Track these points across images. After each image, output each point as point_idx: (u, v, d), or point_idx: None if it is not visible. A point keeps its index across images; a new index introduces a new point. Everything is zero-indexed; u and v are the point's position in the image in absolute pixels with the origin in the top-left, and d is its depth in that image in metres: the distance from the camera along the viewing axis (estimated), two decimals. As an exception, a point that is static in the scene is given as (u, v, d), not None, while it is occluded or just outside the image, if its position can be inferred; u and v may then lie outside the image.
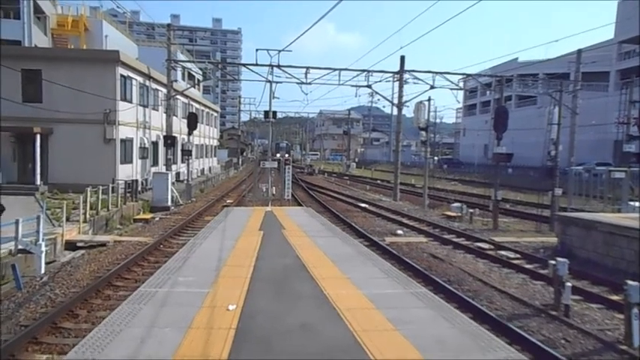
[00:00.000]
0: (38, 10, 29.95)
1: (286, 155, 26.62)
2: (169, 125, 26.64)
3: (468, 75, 32.75)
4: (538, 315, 8.55)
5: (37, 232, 11.58)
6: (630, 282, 7.17)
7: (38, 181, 21.84)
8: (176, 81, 30.03)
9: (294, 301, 5.97)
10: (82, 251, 13.58)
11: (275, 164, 23.55)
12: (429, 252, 13.83)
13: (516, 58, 52.99)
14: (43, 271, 10.94)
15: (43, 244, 11.32)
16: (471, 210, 20.93)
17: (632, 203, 19.01)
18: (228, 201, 26.64)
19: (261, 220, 13.58)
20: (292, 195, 24.82)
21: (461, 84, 30.79)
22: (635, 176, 20.60)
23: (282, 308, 5.64)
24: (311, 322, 5.17)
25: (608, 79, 49.95)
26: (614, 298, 9.52)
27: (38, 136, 22.00)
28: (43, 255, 11.17)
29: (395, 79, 28.58)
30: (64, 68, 23.01)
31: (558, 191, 18.91)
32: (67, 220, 14.77)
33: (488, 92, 66.77)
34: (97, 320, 7.85)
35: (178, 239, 15.30)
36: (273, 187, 24.36)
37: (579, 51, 28.06)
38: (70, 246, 13.94)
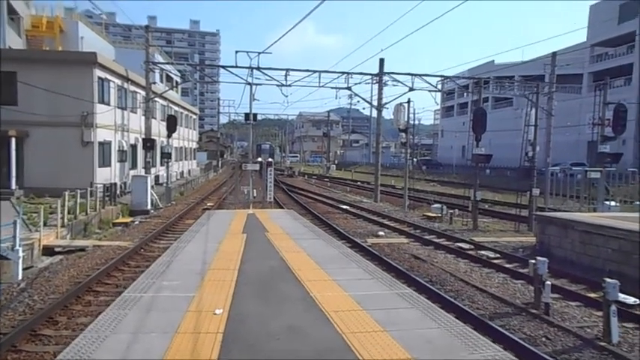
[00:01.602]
0: (12, 11, 29.28)
1: (269, 159, 26.46)
2: (148, 128, 26.31)
3: (446, 77, 33.06)
4: (519, 313, 8.69)
5: (14, 237, 11.30)
6: (608, 279, 7.34)
7: (14, 186, 21.37)
8: (154, 83, 29.70)
9: (281, 304, 5.96)
10: (61, 256, 13.32)
11: (257, 167, 23.46)
12: (410, 253, 13.94)
13: (493, 61, 53.81)
14: (20, 278, 10.71)
15: (20, 249, 11.07)
16: (451, 211, 21.16)
17: (607, 203, 19.49)
18: (208, 204, 26.44)
19: (244, 222, 13.53)
20: (274, 197, 24.77)
21: (439, 86, 31.07)
22: (610, 176, 21.14)
23: (270, 311, 5.63)
24: (299, 325, 5.17)
25: (581, 81, 51.07)
26: (592, 295, 9.74)
27: (13, 140, 21.52)
28: (20, 261, 10.93)
29: (374, 82, 28.74)
30: (40, 70, 22.55)
31: (536, 191, 19.25)
32: (45, 224, 14.46)
33: (465, 94, 67.67)
34: (77, 327, 7.73)
35: (159, 243, 15.13)
36: (254, 190, 24.27)
37: (554, 54, 28.60)
38: (48, 251, 13.63)
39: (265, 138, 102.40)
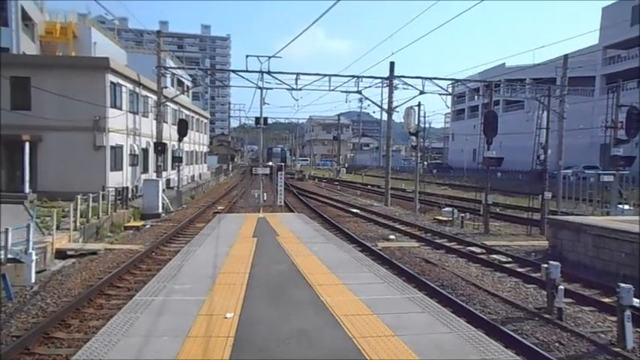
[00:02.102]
0: (26, 17, 29.71)
1: (281, 163, 26.28)
2: (159, 132, 26.52)
3: (457, 80, 32.98)
4: (532, 318, 8.60)
5: (27, 240, 11.41)
6: (622, 284, 7.25)
7: (27, 189, 21.54)
8: (166, 87, 29.92)
9: (292, 308, 5.96)
10: (73, 260, 13.43)
11: (267, 171, 23.48)
12: (421, 257, 13.87)
13: (504, 64, 53.58)
14: (33, 281, 10.81)
15: (34, 252, 11.18)
16: (462, 214, 21.03)
17: (620, 206, 19.24)
18: (219, 207, 26.54)
19: (254, 226, 13.55)
20: (284, 201, 24.78)
21: (450, 89, 30.97)
22: (623, 180, 20.86)
23: (280, 315, 5.63)
24: (309, 329, 5.17)
25: (593, 83, 50.61)
26: (606, 300, 9.62)
27: (27, 144, 21.75)
28: (34, 264, 11.03)
29: (385, 85, 28.72)
30: (53, 75, 22.84)
31: (548, 195, 19.07)
32: (57, 228, 14.60)
33: (476, 97, 67.37)
34: (89, 330, 7.79)
35: (170, 246, 15.20)
36: (265, 194, 24.31)
37: (566, 56, 28.36)
38: (61, 255, 13.76)
39: (276, 142, 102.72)
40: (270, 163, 25.39)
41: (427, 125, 67.50)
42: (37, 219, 14.98)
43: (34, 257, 11.04)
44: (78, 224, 15.97)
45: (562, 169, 26.15)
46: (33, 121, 21.89)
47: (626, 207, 19.49)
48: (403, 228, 19.53)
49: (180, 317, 5.52)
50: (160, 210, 22.76)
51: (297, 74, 25.98)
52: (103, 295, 9.94)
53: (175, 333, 5.02)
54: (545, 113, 20.53)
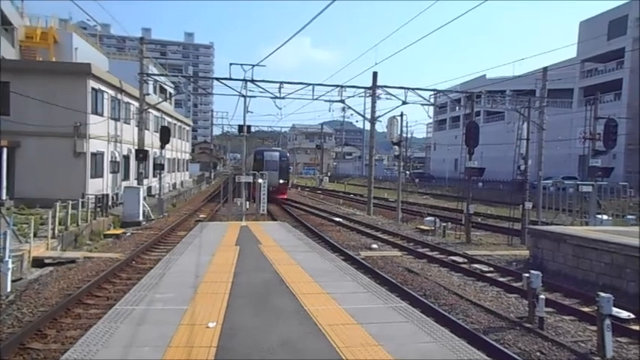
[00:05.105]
0: (5, 22, 29.23)
1: (281, 181, 23.59)
2: (141, 139, 26.22)
3: (439, 91, 33.35)
4: (513, 327, 8.66)
5: (3, 248, 11.15)
6: (602, 294, 7.34)
7: (4, 196, 21.15)
8: (148, 94, 29.67)
9: (275, 317, 5.91)
10: (51, 268, 13.14)
11: (250, 179, 23.25)
12: (404, 266, 13.90)
13: (484, 75, 54.32)
14: (9, 290, 10.55)
15: (10, 261, 10.91)
16: (444, 224, 21.16)
17: (599, 216, 19.58)
18: (201, 216, 26.32)
19: (237, 235, 13.46)
20: (267, 210, 24.63)
21: (432, 99, 31.27)
22: (601, 190, 21.26)
23: (263, 325, 5.58)
24: (293, 339, 5.12)
25: (572, 95, 51.63)
26: (586, 309, 9.74)
27: (5, 150, 21.35)
28: (10, 272, 10.77)
29: (368, 95, 28.88)
30: (34, 81, 22.46)
31: (528, 205, 19.31)
32: (35, 235, 14.29)
33: (457, 108, 68.17)
34: (67, 340, 7.61)
35: (151, 255, 15.00)
36: (247, 202, 24.16)
37: (545, 69, 28.91)
38: (38, 263, 13.45)
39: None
40: (262, 180, 22.75)
41: (409, 135, 67.94)
42: (13, 226, 14.64)
43: (10, 265, 10.77)
44: (56, 232, 15.64)
45: (542, 180, 26.56)
46: (12, 126, 21.43)
47: (605, 217, 19.84)
48: (386, 237, 19.57)
49: (162, 327, 5.43)
50: (141, 218, 22.46)
51: (281, 83, 25.97)
52: (81, 304, 9.73)
53: (157, 343, 4.93)
54: (526, 124, 20.85)
